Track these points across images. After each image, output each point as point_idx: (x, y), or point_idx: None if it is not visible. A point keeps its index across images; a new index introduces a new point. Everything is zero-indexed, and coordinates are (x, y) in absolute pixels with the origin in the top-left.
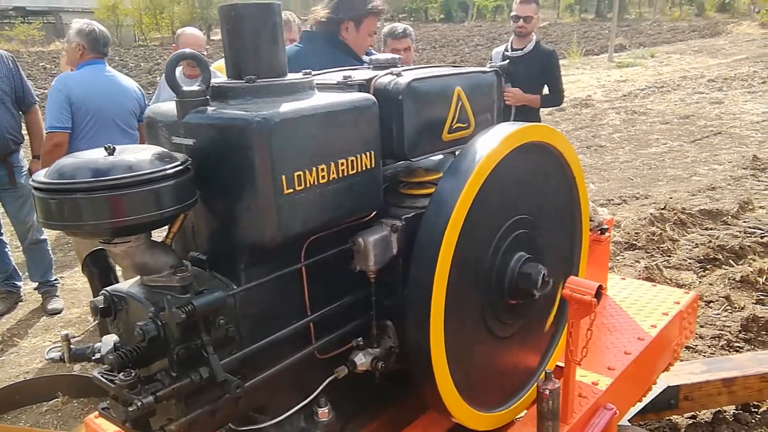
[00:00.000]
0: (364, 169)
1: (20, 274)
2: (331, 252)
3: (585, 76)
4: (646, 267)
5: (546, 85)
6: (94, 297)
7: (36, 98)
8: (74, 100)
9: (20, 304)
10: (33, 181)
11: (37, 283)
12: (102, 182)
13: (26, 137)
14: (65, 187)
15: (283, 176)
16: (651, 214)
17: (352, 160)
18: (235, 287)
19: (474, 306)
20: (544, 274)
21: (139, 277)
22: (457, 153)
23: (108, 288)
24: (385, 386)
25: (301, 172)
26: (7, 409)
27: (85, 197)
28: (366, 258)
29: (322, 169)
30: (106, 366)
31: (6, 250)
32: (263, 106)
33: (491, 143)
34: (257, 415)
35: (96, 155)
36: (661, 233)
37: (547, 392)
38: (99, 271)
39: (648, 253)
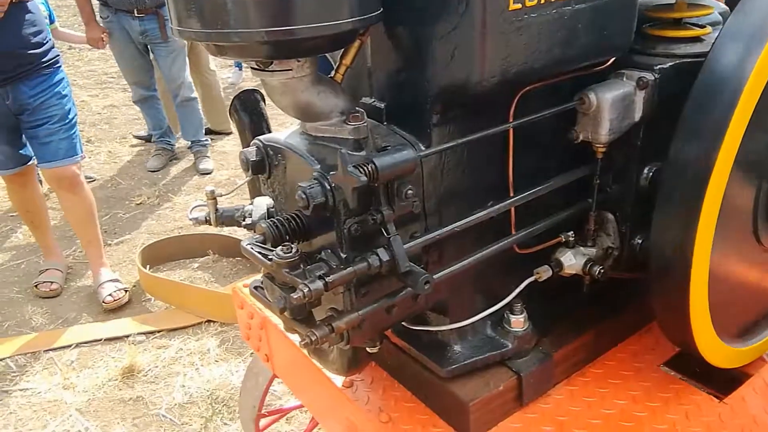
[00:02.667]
0: None
1: (173, 132)
2: (551, 111)
3: None
4: None
5: None
6: (244, 148)
7: None
8: None
9: (173, 161)
10: None
11: (189, 142)
12: None
13: None
14: None
15: None
16: None
17: None
18: (422, 148)
19: (745, 203)
20: None
21: (298, 125)
22: None
23: (262, 137)
24: (589, 298)
25: None
26: (162, 261)
27: None
28: (597, 123)
29: None
30: (257, 236)
31: (160, 107)
32: None
33: None
34: (431, 314)
35: None
36: None
37: None
38: (249, 117)
39: None
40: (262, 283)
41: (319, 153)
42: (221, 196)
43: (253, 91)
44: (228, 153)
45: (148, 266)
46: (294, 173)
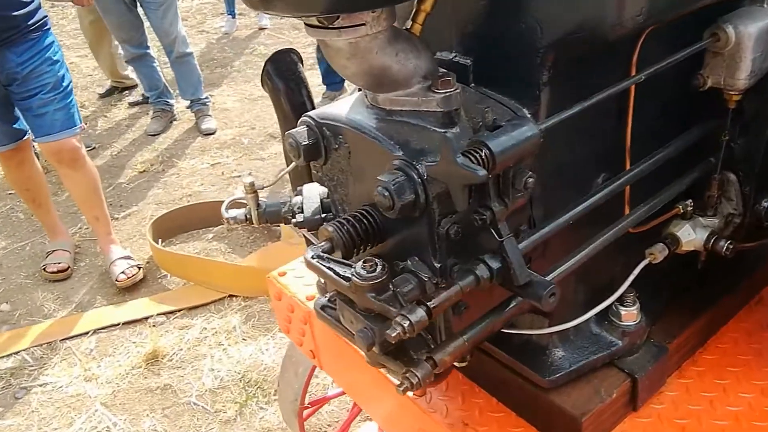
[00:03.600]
0: None
1: (171, 92)
2: (682, 55)
3: None
4: None
5: None
6: (284, 128)
7: None
8: None
9: (174, 123)
10: None
11: (188, 102)
12: None
13: None
14: None
15: None
16: None
17: None
18: (526, 114)
19: None
20: None
21: (356, 94)
22: None
23: (313, 114)
24: (699, 274)
25: None
26: (174, 233)
27: None
28: (734, 64)
29: None
30: (322, 243)
31: (155, 65)
32: None
33: None
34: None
35: None
36: None
37: None
38: (286, 83)
39: None
40: (330, 301)
41: (399, 134)
42: (262, 188)
43: (289, 51)
44: (230, 110)
45: (159, 240)
46: (364, 160)
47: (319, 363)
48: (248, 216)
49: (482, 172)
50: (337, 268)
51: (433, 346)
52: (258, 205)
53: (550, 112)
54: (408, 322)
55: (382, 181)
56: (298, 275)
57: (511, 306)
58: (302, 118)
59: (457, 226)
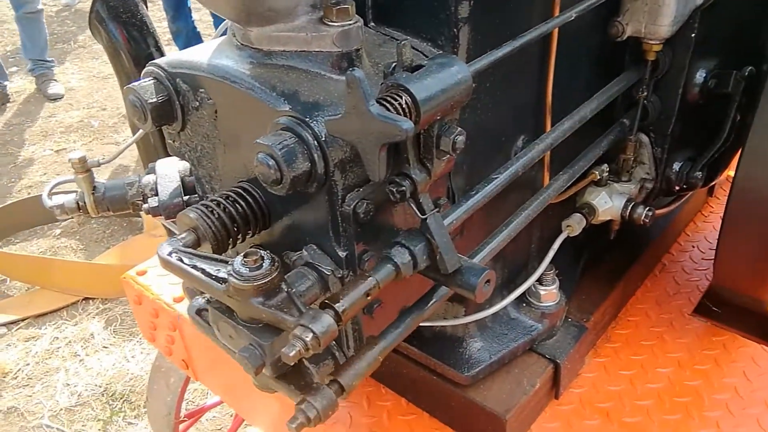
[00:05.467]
0: None
1: (6, 72)
2: None
3: None
4: None
5: None
6: (123, 83)
7: None
8: None
9: (8, 105)
10: None
11: (31, 63)
12: None
13: None
14: None
15: None
16: None
17: None
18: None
19: None
20: None
21: (225, 35)
22: None
23: (163, 62)
24: (608, 241)
25: None
26: (14, 231)
27: None
28: (656, 9)
29: None
30: (183, 234)
31: None
32: None
33: None
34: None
35: None
36: None
37: None
38: (126, 30)
39: None
40: (209, 301)
41: (283, 82)
42: (98, 165)
43: None
44: (77, 89)
45: None
46: (236, 121)
47: (194, 374)
48: (80, 203)
49: (408, 123)
50: (207, 267)
51: (337, 354)
52: (94, 188)
53: (470, 56)
54: (311, 335)
55: (264, 145)
56: (161, 273)
57: (434, 300)
58: (148, 68)
59: (366, 203)
